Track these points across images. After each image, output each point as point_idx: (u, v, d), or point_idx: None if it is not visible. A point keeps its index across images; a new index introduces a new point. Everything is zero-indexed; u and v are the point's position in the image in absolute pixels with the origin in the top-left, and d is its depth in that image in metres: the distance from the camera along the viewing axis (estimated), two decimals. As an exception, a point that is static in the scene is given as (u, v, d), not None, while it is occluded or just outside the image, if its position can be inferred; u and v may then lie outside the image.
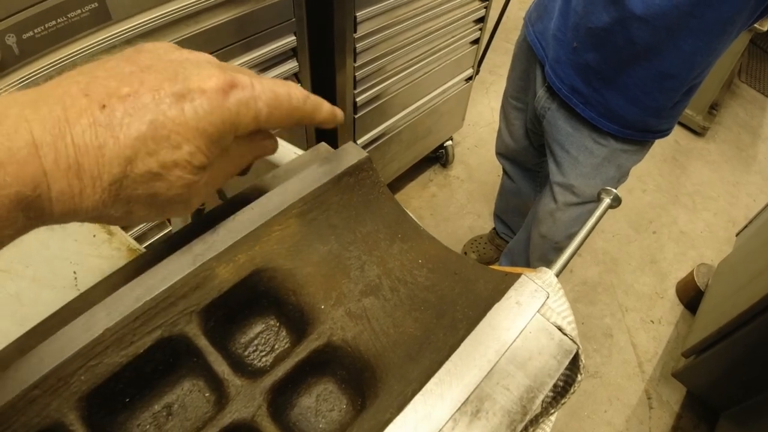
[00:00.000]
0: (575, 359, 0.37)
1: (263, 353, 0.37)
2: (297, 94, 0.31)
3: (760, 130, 2.65)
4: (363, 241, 0.40)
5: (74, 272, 0.49)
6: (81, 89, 0.25)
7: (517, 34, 1.19)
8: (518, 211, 1.59)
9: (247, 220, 0.37)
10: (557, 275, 0.41)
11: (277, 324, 0.38)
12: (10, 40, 0.60)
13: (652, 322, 1.77)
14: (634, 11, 0.79)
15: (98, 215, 0.26)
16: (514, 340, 0.34)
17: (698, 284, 1.74)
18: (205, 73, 0.27)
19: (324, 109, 0.34)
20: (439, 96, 1.61)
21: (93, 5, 0.66)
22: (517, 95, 1.25)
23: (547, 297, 0.36)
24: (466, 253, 1.81)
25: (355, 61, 1.17)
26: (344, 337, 0.35)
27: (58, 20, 0.63)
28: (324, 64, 1.17)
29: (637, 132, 0.98)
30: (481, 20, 1.53)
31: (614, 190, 0.49)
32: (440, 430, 0.30)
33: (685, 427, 1.53)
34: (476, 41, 1.59)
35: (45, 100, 0.24)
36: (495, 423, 0.31)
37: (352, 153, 0.42)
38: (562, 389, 0.39)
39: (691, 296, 1.79)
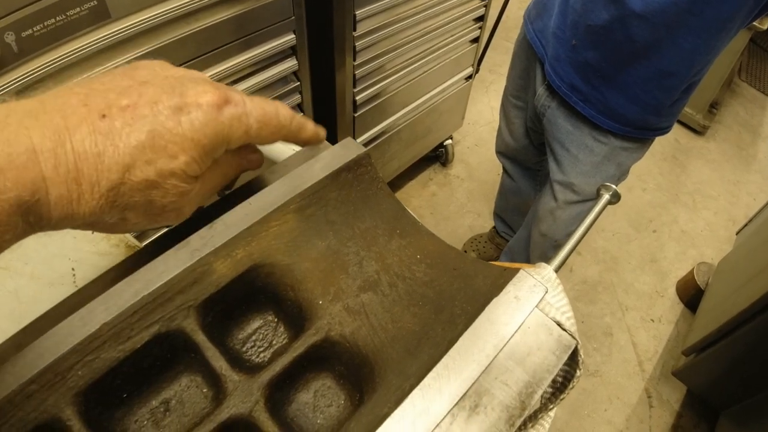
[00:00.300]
0: (574, 354, 0.36)
1: (261, 349, 0.37)
2: (284, 112, 0.33)
3: (760, 129, 2.64)
4: (361, 236, 0.40)
5: (73, 269, 0.49)
6: (80, 100, 0.26)
7: (517, 32, 1.19)
8: (518, 209, 1.59)
9: (244, 215, 0.37)
10: (556, 270, 0.41)
11: (275, 319, 0.38)
12: (9, 38, 0.60)
13: (653, 320, 1.77)
14: (633, 9, 0.79)
15: (94, 221, 0.27)
16: (513, 335, 0.34)
17: (698, 283, 1.74)
18: (200, 88, 0.29)
19: (308, 128, 0.36)
20: (438, 95, 1.61)
21: (92, 3, 0.66)
22: (517, 94, 1.25)
23: (546, 292, 0.36)
24: (466, 251, 1.81)
25: (354, 60, 1.17)
26: (342, 333, 0.35)
27: (57, 18, 0.63)
28: (323, 62, 1.17)
29: (637, 130, 0.97)
30: (481, 19, 1.52)
31: (613, 186, 0.49)
32: (438, 424, 0.29)
33: (686, 426, 1.53)
34: (476, 40, 1.58)
35: (44, 110, 0.24)
36: (493, 418, 0.31)
37: (350, 149, 0.42)
38: (561, 385, 0.39)
39: (691, 295, 1.78)
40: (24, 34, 0.61)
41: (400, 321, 0.36)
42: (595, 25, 0.85)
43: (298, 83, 1.07)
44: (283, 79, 1.03)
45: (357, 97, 1.27)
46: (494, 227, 1.79)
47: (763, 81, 2.96)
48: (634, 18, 0.80)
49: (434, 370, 0.31)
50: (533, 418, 0.40)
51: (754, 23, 1.86)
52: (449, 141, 1.97)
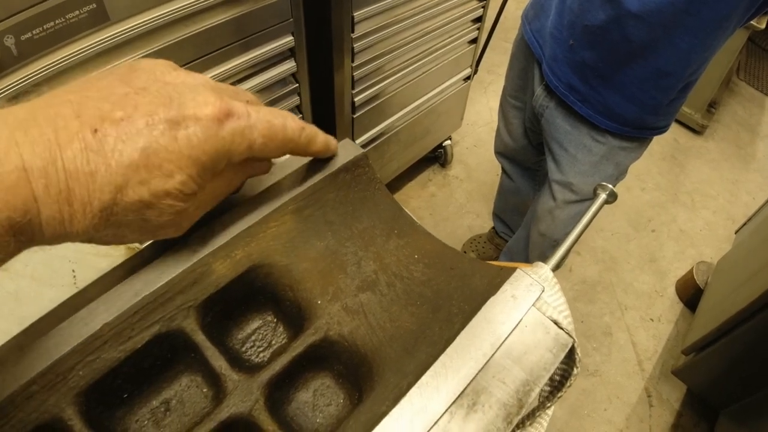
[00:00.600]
0: (571, 353, 0.37)
1: (260, 349, 0.38)
2: (293, 125, 0.31)
3: (758, 128, 2.65)
4: (359, 237, 0.40)
5: (73, 270, 0.49)
6: (73, 110, 0.24)
7: (516, 33, 1.20)
8: (517, 210, 1.60)
9: (243, 216, 0.37)
10: (553, 270, 0.41)
11: (275, 319, 0.39)
12: (9, 41, 0.60)
13: (652, 320, 1.77)
14: (629, 9, 0.79)
15: (88, 238, 0.26)
16: (510, 334, 0.34)
17: (698, 282, 1.74)
18: (200, 99, 0.27)
19: (318, 140, 0.35)
20: (437, 96, 1.62)
21: (91, 6, 0.66)
22: (516, 94, 1.25)
23: (543, 291, 0.36)
24: (465, 252, 1.81)
25: (353, 61, 1.18)
26: (341, 332, 0.35)
27: (57, 21, 0.64)
28: (322, 63, 1.17)
29: (635, 129, 0.98)
30: (479, 20, 1.53)
31: (610, 186, 0.49)
32: (436, 422, 0.30)
33: (686, 425, 1.53)
34: (474, 41, 1.59)
35: (36, 121, 0.23)
36: (491, 416, 0.31)
37: (348, 149, 0.43)
38: (558, 383, 0.40)
39: (690, 294, 1.79)
40: (23, 38, 0.62)
41: (398, 320, 0.36)
42: (592, 25, 0.86)
43: (297, 85, 1.07)
44: (281, 81, 1.04)
45: (356, 99, 1.27)
46: (493, 228, 1.79)
47: (762, 80, 2.97)
48: (630, 18, 0.80)
49: (432, 368, 0.31)
50: (531, 416, 0.40)
51: (752, 22, 1.87)
52: (448, 142, 1.98)
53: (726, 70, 2.23)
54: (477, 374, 0.32)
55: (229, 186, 0.33)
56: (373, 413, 0.30)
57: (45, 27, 0.63)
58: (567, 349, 0.35)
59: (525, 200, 1.52)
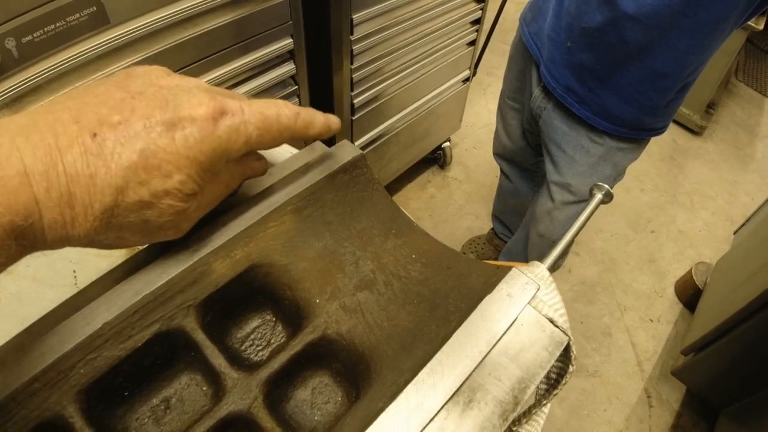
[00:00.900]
0: (566, 351, 0.37)
1: (260, 347, 0.38)
2: (286, 112, 0.32)
3: (757, 129, 2.65)
4: (357, 237, 0.41)
5: (74, 271, 0.50)
6: (72, 116, 0.25)
7: (514, 35, 1.20)
8: (516, 211, 1.60)
9: (242, 216, 0.37)
10: (549, 269, 0.41)
11: (273, 319, 0.39)
12: (10, 43, 0.61)
13: (651, 320, 1.77)
14: (626, 11, 0.79)
15: (90, 242, 0.26)
16: (506, 332, 0.34)
17: (697, 283, 1.75)
18: (195, 100, 0.27)
19: (317, 122, 0.34)
20: (436, 97, 1.62)
21: (92, 9, 0.66)
22: (514, 95, 1.26)
23: (538, 289, 0.36)
24: (464, 253, 1.81)
25: (352, 63, 1.18)
26: (339, 331, 0.36)
27: (57, 24, 0.64)
28: (321, 66, 1.18)
29: (632, 130, 0.98)
30: (478, 21, 1.54)
31: (606, 186, 0.49)
32: (433, 419, 0.30)
33: (685, 426, 1.53)
34: (473, 42, 1.60)
35: (36, 128, 0.24)
36: (487, 412, 0.32)
37: (346, 151, 0.43)
38: (555, 381, 0.40)
39: (689, 295, 1.79)
40: (24, 40, 0.62)
41: (396, 319, 0.36)
42: (589, 27, 0.86)
43: (296, 87, 1.08)
44: (281, 83, 1.04)
45: (355, 101, 1.28)
46: (492, 229, 1.80)
47: (760, 81, 2.97)
48: (627, 20, 0.81)
49: (428, 365, 0.31)
50: (528, 413, 0.41)
51: (750, 23, 1.88)
52: (447, 143, 1.98)
53: (724, 71, 2.24)
54: (473, 371, 0.32)
55: (227, 187, 0.33)
56: (370, 410, 0.30)
57: (46, 30, 0.63)
58: (562, 347, 0.36)
59: (524, 201, 1.52)
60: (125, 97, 0.26)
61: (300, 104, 1.12)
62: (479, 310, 0.35)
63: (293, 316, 0.38)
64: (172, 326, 0.33)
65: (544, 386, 0.41)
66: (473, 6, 1.46)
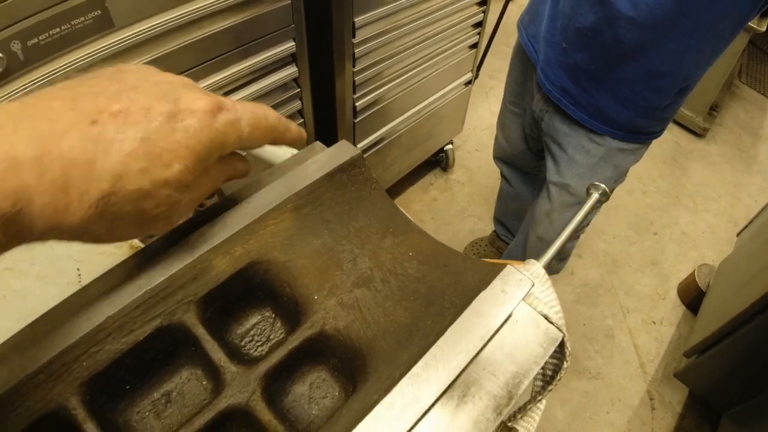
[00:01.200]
0: (561, 347, 0.38)
1: (259, 343, 0.39)
2: (272, 114, 0.33)
3: (760, 131, 2.65)
4: (355, 235, 0.41)
5: (78, 269, 0.51)
6: (66, 104, 0.24)
7: (516, 38, 1.21)
8: (517, 214, 1.60)
9: (243, 214, 0.38)
10: (545, 267, 0.42)
11: (273, 315, 0.40)
12: (15, 46, 0.62)
13: (654, 323, 1.77)
14: (621, 10, 0.80)
15: (82, 232, 0.26)
16: (500, 327, 0.35)
17: (699, 285, 1.74)
18: (192, 95, 0.28)
19: (293, 129, 0.36)
20: (438, 100, 1.63)
21: (96, 12, 0.68)
22: (514, 100, 1.26)
23: (532, 285, 0.37)
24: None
25: (354, 66, 1.19)
26: (336, 326, 0.36)
27: (62, 27, 0.65)
28: (323, 69, 1.19)
29: (628, 134, 0.98)
30: (480, 24, 1.54)
31: (602, 185, 0.50)
32: (427, 412, 0.31)
33: (688, 428, 1.53)
34: (475, 45, 1.60)
35: (27, 114, 0.23)
36: (481, 407, 0.32)
37: (345, 150, 0.44)
38: (550, 377, 0.41)
39: (692, 297, 1.79)
40: (30, 43, 0.63)
41: (392, 315, 0.37)
42: (584, 27, 0.87)
43: (299, 90, 1.09)
44: (283, 86, 1.05)
45: (357, 103, 1.28)
46: (495, 231, 1.80)
47: (763, 83, 2.97)
48: (621, 19, 0.81)
49: (423, 359, 0.32)
50: (523, 409, 0.41)
51: (752, 25, 1.88)
52: (449, 146, 1.99)
53: (727, 73, 2.24)
54: (467, 366, 0.33)
55: (214, 183, 0.34)
56: (365, 402, 0.31)
57: (51, 33, 0.64)
58: (557, 343, 0.36)
59: (524, 205, 1.53)
60: (122, 89, 0.27)
61: (303, 107, 1.13)
62: (474, 306, 0.35)
63: (292, 312, 0.38)
64: (173, 321, 0.34)
65: (539, 382, 0.42)
66: (475, 9, 1.46)
